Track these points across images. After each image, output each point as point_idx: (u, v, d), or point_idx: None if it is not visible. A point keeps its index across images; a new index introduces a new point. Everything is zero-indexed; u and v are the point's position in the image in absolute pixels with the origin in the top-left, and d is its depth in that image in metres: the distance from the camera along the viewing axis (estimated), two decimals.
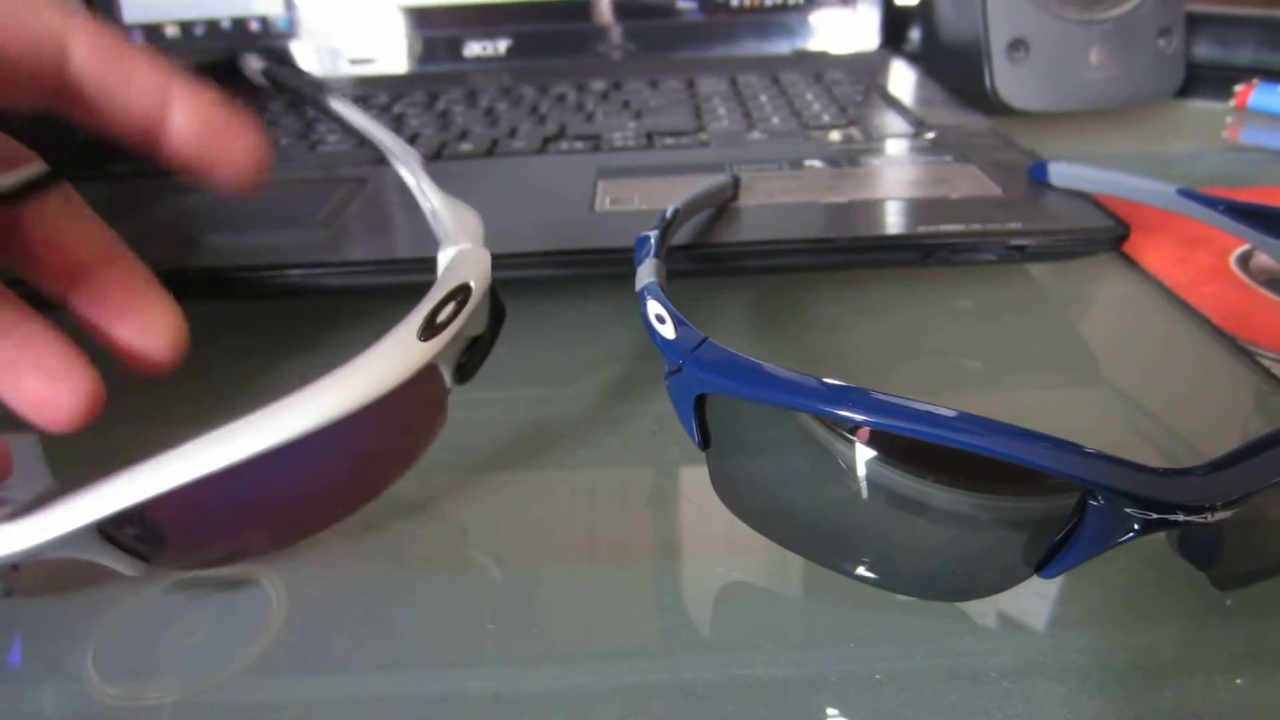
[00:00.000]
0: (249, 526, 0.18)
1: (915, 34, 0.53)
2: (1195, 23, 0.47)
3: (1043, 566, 0.15)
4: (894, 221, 0.28)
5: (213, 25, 0.50)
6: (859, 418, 0.14)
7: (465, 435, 0.21)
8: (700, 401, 0.17)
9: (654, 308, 0.18)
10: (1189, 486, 0.13)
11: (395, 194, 0.31)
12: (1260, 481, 0.13)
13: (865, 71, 0.48)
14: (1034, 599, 0.17)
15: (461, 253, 0.19)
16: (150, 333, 0.20)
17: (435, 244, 0.21)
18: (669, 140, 0.37)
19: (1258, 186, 0.36)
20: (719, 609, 0.18)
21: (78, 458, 0.22)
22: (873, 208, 0.29)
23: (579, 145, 0.37)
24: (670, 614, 0.18)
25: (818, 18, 0.52)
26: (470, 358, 0.19)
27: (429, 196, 0.22)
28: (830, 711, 0.15)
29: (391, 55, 0.51)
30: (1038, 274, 0.30)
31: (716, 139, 0.37)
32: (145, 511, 0.15)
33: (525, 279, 0.27)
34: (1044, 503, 0.15)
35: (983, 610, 0.17)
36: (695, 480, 0.21)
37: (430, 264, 0.20)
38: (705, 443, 0.18)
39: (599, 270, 0.27)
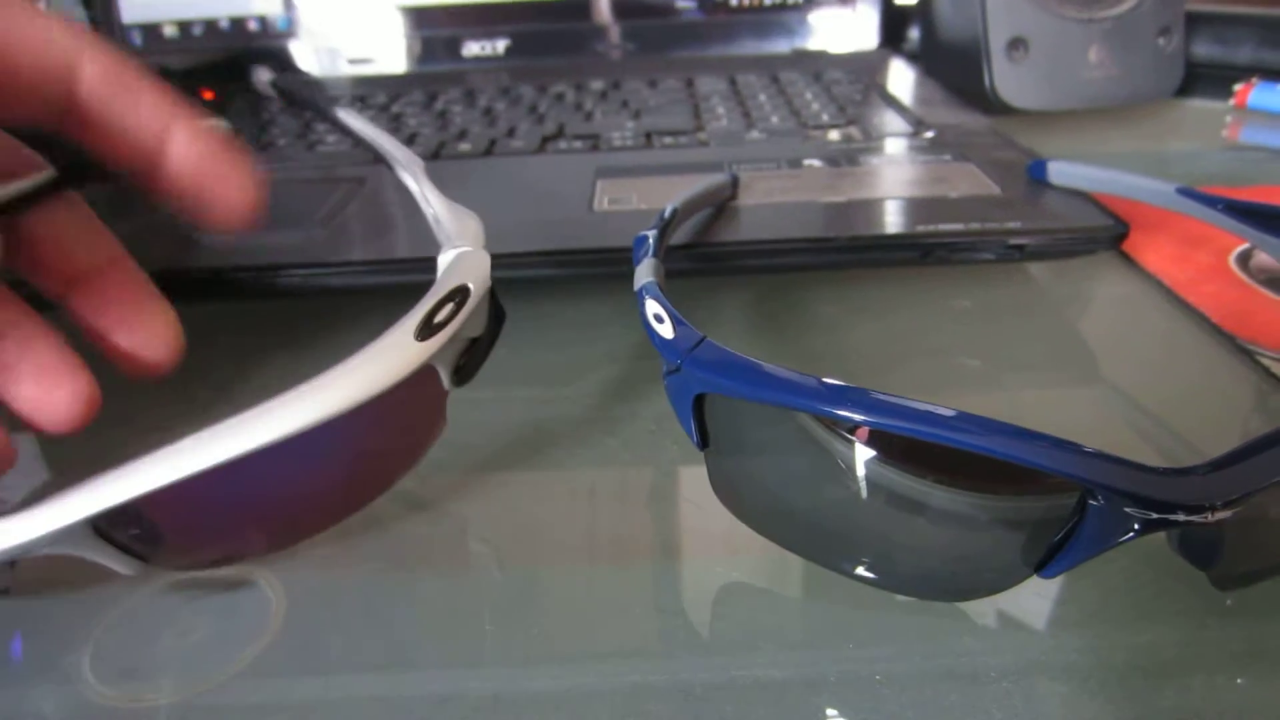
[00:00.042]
0: (246, 527, 0.18)
1: (914, 33, 0.53)
2: (1195, 22, 0.47)
3: (1042, 566, 0.15)
4: (893, 221, 0.28)
5: (211, 25, 0.50)
6: (858, 417, 0.14)
7: (464, 435, 0.20)
8: (699, 401, 0.17)
9: (652, 307, 0.18)
10: (1189, 486, 0.13)
11: (394, 194, 0.31)
12: (1261, 481, 0.13)
13: (864, 71, 0.48)
14: (1034, 599, 0.17)
15: (461, 255, 0.19)
16: (147, 339, 0.21)
17: (434, 244, 0.21)
18: (668, 140, 0.37)
19: (1257, 185, 0.36)
20: (718, 609, 0.18)
21: (73, 456, 0.22)
22: (872, 207, 0.29)
23: (577, 145, 0.37)
24: (669, 614, 0.18)
25: (817, 17, 0.52)
26: (469, 359, 0.19)
27: (431, 202, 0.22)
28: (830, 712, 0.15)
29: (390, 55, 0.51)
30: (1037, 273, 0.30)
31: (715, 138, 0.37)
32: (139, 509, 0.15)
33: (524, 279, 0.27)
34: (1043, 502, 0.15)
35: (982, 610, 0.17)
36: (694, 480, 0.21)
37: (429, 264, 0.20)
38: (704, 442, 0.18)
39: (597, 270, 0.27)
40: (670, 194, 0.26)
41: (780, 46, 0.52)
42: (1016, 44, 0.43)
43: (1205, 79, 0.48)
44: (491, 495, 0.21)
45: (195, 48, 0.50)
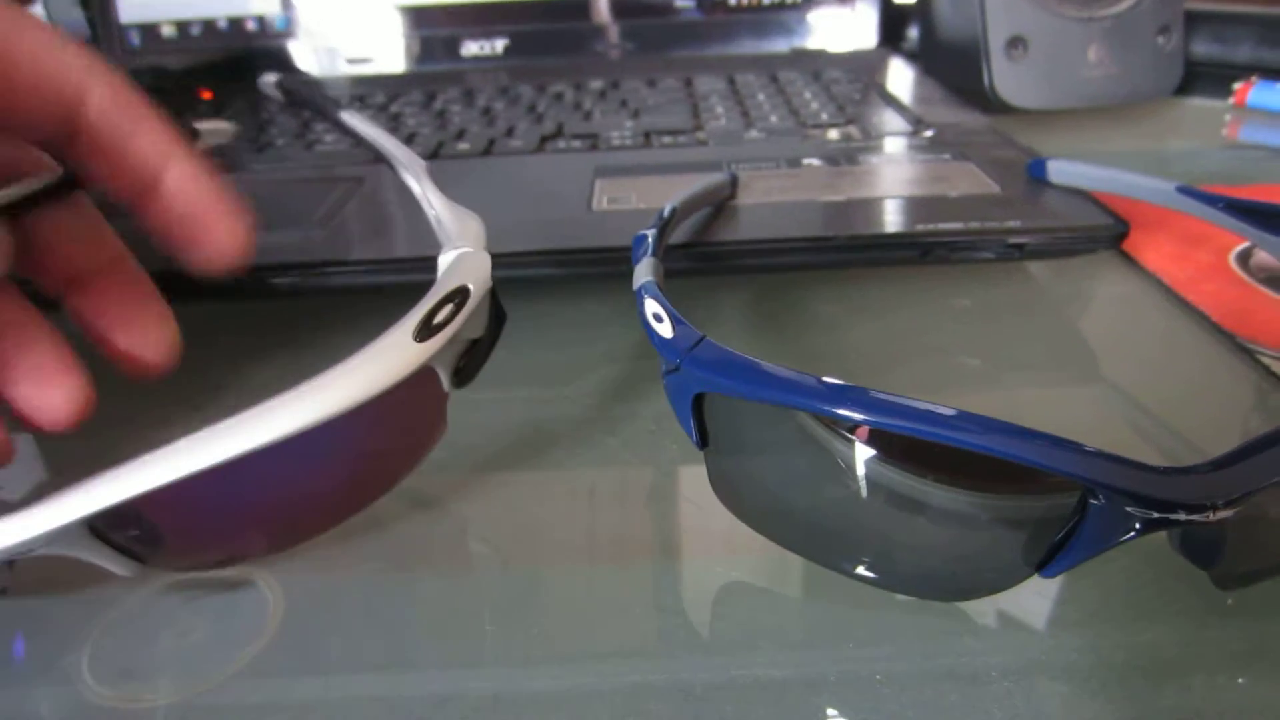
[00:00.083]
0: (243, 528, 0.18)
1: (913, 32, 0.53)
2: (1194, 20, 0.47)
3: (1043, 566, 0.15)
4: (892, 220, 0.28)
5: (209, 25, 0.50)
6: (858, 417, 0.14)
7: (463, 434, 0.20)
8: (698, 400, 0.17)
9: (651, 306, 0.18)
10: (1191, 485, 0.13)
11: (392, 193, 0.31)
12: (1262, 480, 0.13)
13: (863, 70, 0.48)
14: (1034, 598, 0.17)
15: (462, 255, 0.19)
16: (144, 341, 0.21)
17: (433, 243, 0.21)
18: (666, 139, 0.37)
19: (1257, 184, 0.36)
20: (718, 609, 0.18)
21: (72, 456, 0.22)
22: (871, 206, 0.29)
23: (576, 144, 0.37)
24: (669, 614, 0.18)
25: (816, 16, 0.52)
26: (469, 361, 0.19)
27: (434, 204, 0.22)
28: (830, 712, 0.15)
29: (389, 54, 0.51)
30: (1037, 272, 0.30)
31: (714, 138, 0.37)
32: (136, 509, 0.15)
33: (522, 278, 0.27)
34: (1044, 502, 0.15)
35: (983, 610, 0.17)
36: (693, 480, 0.21)
37: (428, 263, 0.20)
38: (703, 442, 0.18)
39: (596, 269, 0.27)
40: (669, 193, 0.26)
41: (779, 46, 0.52)
42: (1016, 43, 0.43)
43: (1204, 78, 0.47)
44: (491, 495, 0.21)
45: (193, 47, 0.50)
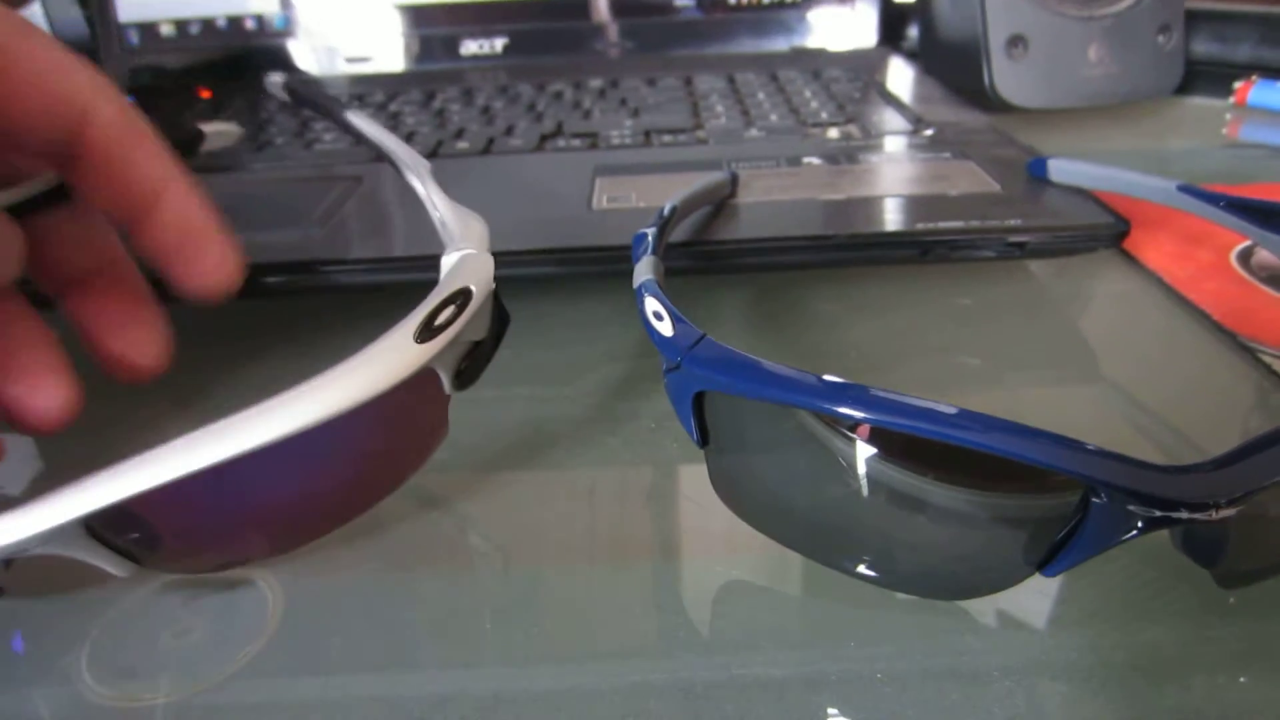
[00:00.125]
0: (241, 530, 0.18)
1: (913, 31, 0.52)
2: (1194, 19, 0.47)
3: (1044, 565, 0.15)
4: (893, 218, 0.28)
5: (208, 24, 0.50)
6: (858, 415, 0.14)
7: (463, 434, 0.20)
8: (699, 399, 0.17)
9: (651, 305, 0.18)
10: (1193, 483, 0.13)
11: (392, 192, 0.31)
12: (1264, 478, 0.13)
13: (863, 69, 0.48)
14: (1035, 597, 0.17)
15: (464, 257, 0.19)
16: (136, 346, 0.21)
17: (432, 242, 0.21)
18: (666, 138, 0.37)
19: (1258, 183, 0.36)
20: (718, 608, 0.18)
21: (67, 456, 0.22)
22: (871, 205, 0.29)
23: (576, 143, 0.37)
24: (669, 613, 0.18)
25: (815, 15, 0.52)
26: (471, 363, 0.19)
27: (437, 205, 0.22)
28: (831, 711, 0.15)
29: (388, 53, 0.51)
30: (1037, 271, 0.30)
31: (714, 136, 0.37)
32: (132, 509, 0.15)
33: (522, 277, 0.27)
34: (1046, 500, 0.15)
35: (984, 609, 0.17)
36: (694, 478, 0.21)
37: (428, 262, 0.20)
38: (704, 440, 0.18)
39: (596, 268, 0.27)
40: (669, 192, 0.26)
41: (779, 44, 0.52)
42: (1016, 42, 0.43)
43: (1205, 77, 0.47)
44: (491, 494, 0.21)
45: (192, 46, 0.50)
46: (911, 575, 0.17)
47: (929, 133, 0.36)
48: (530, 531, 0.20)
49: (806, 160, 0.33)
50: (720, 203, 0.29)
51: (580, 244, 0.27)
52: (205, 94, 0.47)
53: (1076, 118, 0.44)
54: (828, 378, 0.14)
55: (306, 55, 0.51)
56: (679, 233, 0.26)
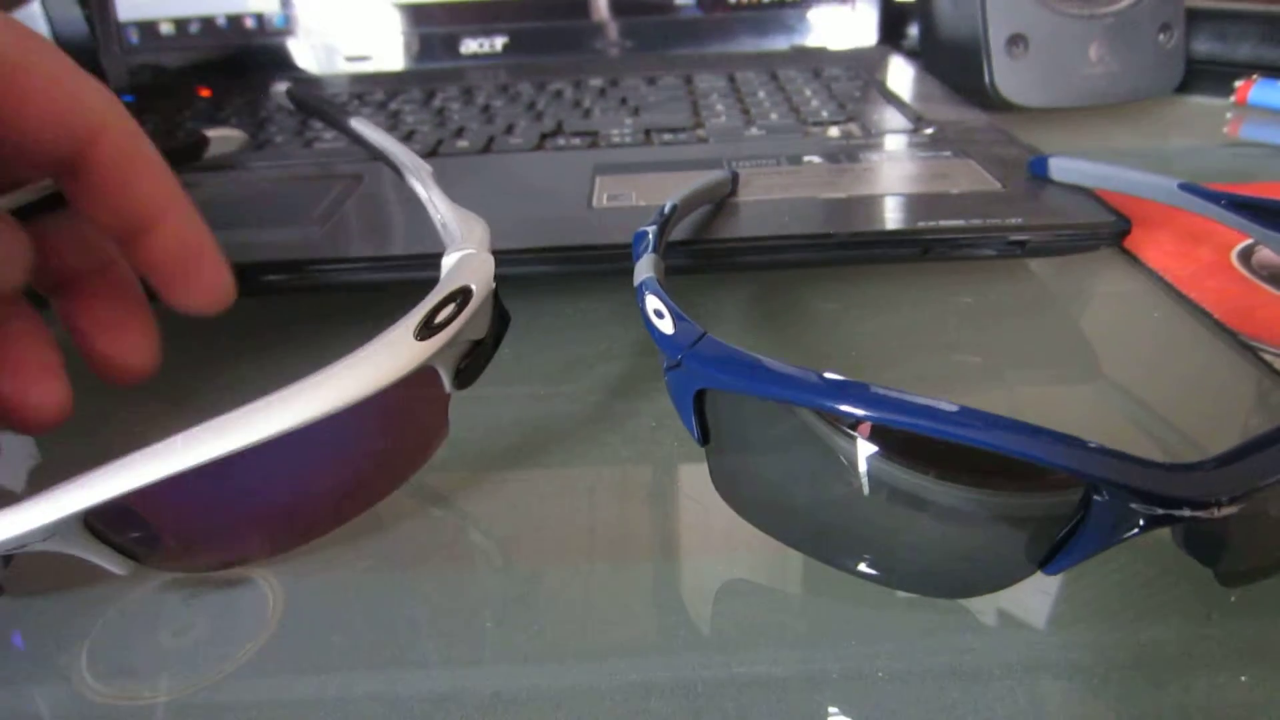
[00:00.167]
0: (239, 528, 0.18)
1: (914, 30, 0.52)
2: (1195, 18, 0.47)
3: (1046, 563, 0.15)
4: (893, 217, 0.28)
5: (208, 22, 0.50)
6: (860, 412, 0.14)
7: (463, 432, 0.20)
8: (699, 397, 0.17)
9: (652, 303, 0.18)
10: (1195, 481, 0.13)
11: (391, 191, 0.31)
12: (1266, 476, 0.13)
13: (864, 67, 0.48)
14: (1037, 596, 0.17)
15: (465, 257, 0.19)
16: (125, 348, 0.21)
17: (432, 240, 0.21)
18: (666, 136, 0.37)
19: (1259, 182, 0.36)
20: (719, 606, 0.18)
21: (67, 454, 0.22)
22: (872, 203, 0.29)
23: (576, 142, 0.37)
24: (669, 611, 0.17)
25: (816, 14, 0.52)
26: (471, 362, 0.19)
27: (439, 207, 0.22)
28: (831, 709, 0.15)
29: (388, 52, 0.51)
30: (1038, 269, 0.30)
31: (714, 135, 0.37)
32: (132, 506, 0.15)
33: (522, 275, 0.26)
34: (1047, 499, 0.15)
35: (985, 607, 0.17)
36: (695, 477, 0.21)
37: (427, 260, 0.20)
38: (704, 438, 0.18)
39: (596, 266, 0.26)
40: (669, 191, 0.26)
41: (779, 43, 0.52)
42: (1016, 41, 0.43)
43: (1206, 76, 0.47)
44: (491, 492, 0.21)
45: (192, 45, 0.50)
46: (912, 573, 0.17)
47: (929, 131, 0.36)
48: (530, 530, 0.20)
49: (807, 159, 0.33)
50: (720, 201, 0.29)
51: (580, 242, 0.27)
52: (205, 93, 0.47)
53: (1077, 117, 0.44)
54: (829, 375, 0.14)
55: (306, 54, 0.51)
56: (679, 231, 0.26)
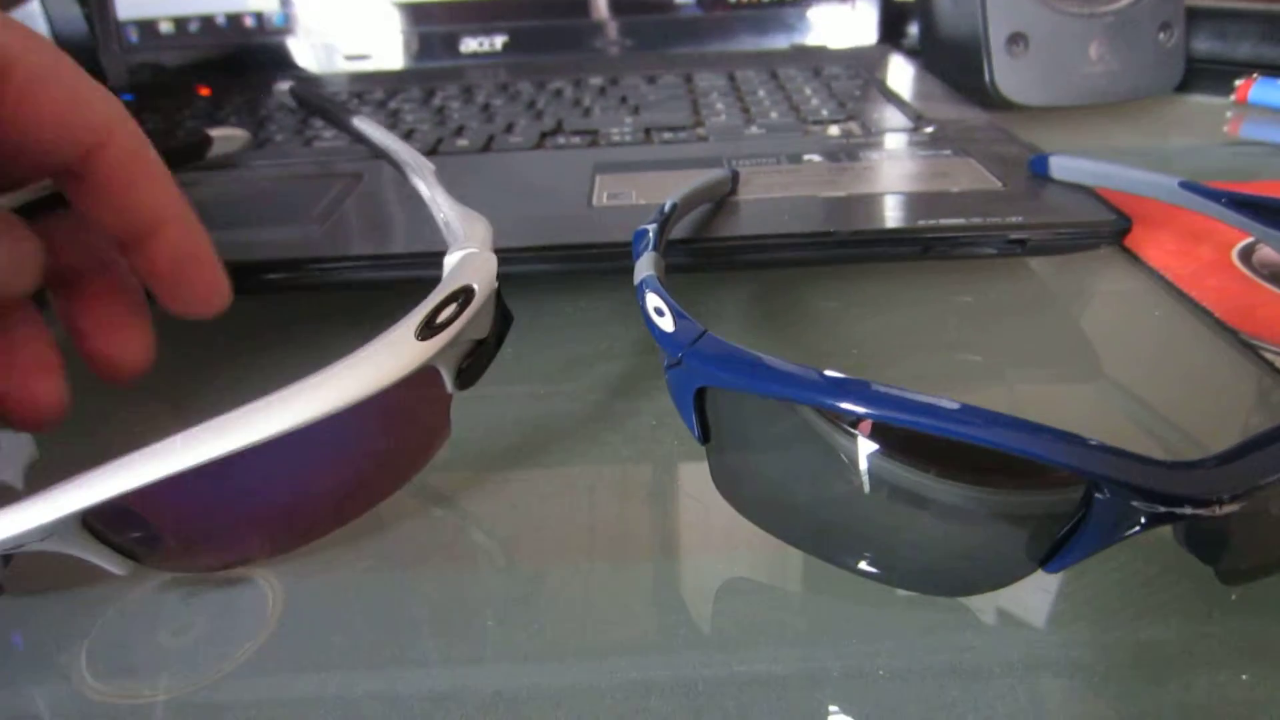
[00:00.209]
0: (239, 529, 0.18)
1: (914, 29, 0.52)
2: (1195, 17, 0.47)
3: (1046, 561, 0.15)
4: (893, 215, 0.28)
5: (207, 21, 0.50)
6: (861, 410, 0.14)
7: (463, 431, 0.20)
8: (700, 395, 0.17)
9: (653, 300, 0.18)
10: (1197, 479, 0.13)
11: (391, 189, 0.31)
12: (1268, 474, 0.13)
13: (864, 66, 0.48)
14: (1037, 594, 0.17)
15: (467, 256, 0.19)
16: (121, 346, 0.21)
17: (432, 238, 0.21)
18: (666, 135, 0.37)
19: (1259, 180, 0.36)
20: (719, 605, 0.18)
21: (65, 454, 0.22)
22: (872, 202, 0.29)
23: (576, 140, 0.37)
24: (670, 610, 0.17)
25: (816, 12, 0.52)
26: (473, 362, 0.19)
27: (442, 207, 0.22)
28: (832, 708, 0.15)
29: (387, 51, 0.51)
30: (1039, 268, 0.30)
31: (714, 134, 0.37)
32: (130, 506, 0.15)
33: (523, 274, 0.26)
34: (1048, 497, 0.15)
35: (985, 605, 0.17)
36: (695, 475, 0.21)
37: (428, 259, 0.20)
38: (705, 437, 0.18)
39: (597, 265, 0.26)
40: (669, 189, 0.26)
41: (779, 42, 0.52)
42: (1016, 39, 0.43)
43: (1206, 74, 0.47)
44: (492, 491, 0.21)
45: (191, 44, 0.50)
46: (913, 571, 0.17)
47: (930, 130, 0.36)
48: (531, 529, 0.20)
49: (807, 157, 0.33)
50: (721, 200, 0.29)
51: (580, 241, 0.27)
52: (204, 92, 0.47)
53: (1077, 115, 0.44)
54: (830, 373, 0.14)
55: (306, 53, 0.51)
56: (679, 230, 0.26)
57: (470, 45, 0.51)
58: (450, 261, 0.19)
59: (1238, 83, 0.46)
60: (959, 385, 0.24)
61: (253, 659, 0.17)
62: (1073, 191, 0.29)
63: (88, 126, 0.19)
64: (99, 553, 0.16)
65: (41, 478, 0.21)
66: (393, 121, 0.40)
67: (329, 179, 0.32)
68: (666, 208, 0.24)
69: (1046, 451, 0.13)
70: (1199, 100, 0.47)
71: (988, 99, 0.43)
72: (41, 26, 0.50)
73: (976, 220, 0.27)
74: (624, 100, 0.42)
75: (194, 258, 0.21)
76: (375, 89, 0.46)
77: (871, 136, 0.36)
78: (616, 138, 0.37)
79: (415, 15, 0.50)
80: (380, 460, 0.19)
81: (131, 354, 0.21)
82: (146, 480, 0.14)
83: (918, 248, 0.27)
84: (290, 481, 0.18)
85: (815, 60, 0.49)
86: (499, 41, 0.51)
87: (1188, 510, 0.13)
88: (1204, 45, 0.49)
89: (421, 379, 0.17)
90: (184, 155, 0.32)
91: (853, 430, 0.15)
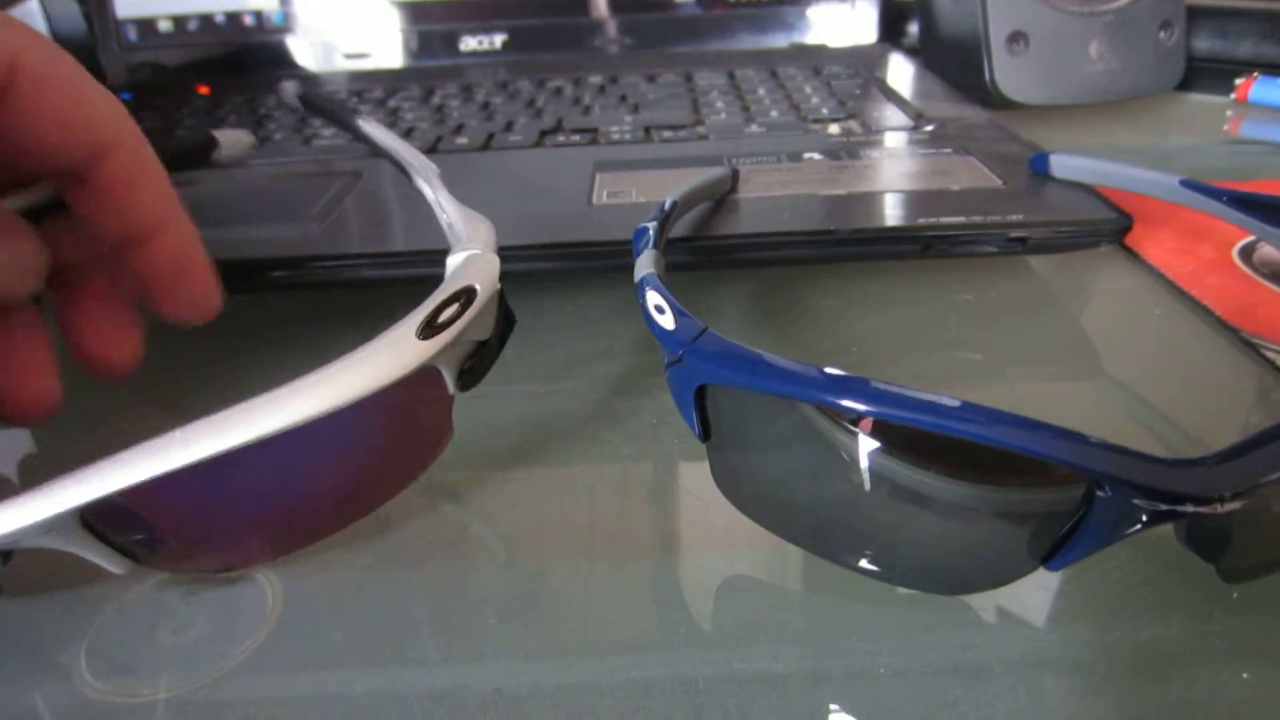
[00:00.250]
0: (239, 530, 0.18)
1: (914, 27, 0.52)
2: (1196, 15, 0.47)
3: (1047, 559, 0.15)
4: (894, 213, 0.28)
5: (206, 19, 0.50)
6: (861, 408, 0.14)
7: (463, 430, 0.20)
8: (700, 393, 0.17)
9: (653, 298, 0.18)
10: (1198, 477, 0.13)
11: (391, 187, 0.31)
12: (1270, 472, 0.13)
13: (864, 64, 0.48)
14: (1038, 592, 0.17)
15: (470, 257, 0.19)
16: (110, 343, 0.21)
17: (433, 236, 0.21)
18: (666, 133, 0.37)
19: (1260, 179, 0.36)
20: (719, 603, 0.18)
21: (64, 452, 0.22)
22: (872, 200, 0.29)
23: (576, 139, 0.37)
24: (670, 608, 0.17)
25: (815, 11, 0.52)
26: (475, 363, 0.19)
27: (445, 208, 0.22)
28: (833, 706, 0.15)
29: (387, 50, 0.51)
30: (1039, 266, 0.30)
31: (714, 132, 0.37)
32: (128, 503, 0.15)
33: (523, 272, 0.26)
34: (1049, 495, 0.15)
35: (986, 604, 0.17)
36: (695, 474, 0.21)
37: (427, 257, 0.20)
38: (705, 435, 0.18)
39: (597, 263, 0.26)
40: (669, 187, 0.26)
41: (779, 41, 0.52)
42: (1017, 38, 0.43)
43: (1206, 73, 0.47)
44: (492, 490, 0.21)
45: (191, 43, 0.50)
46: (914, 570, 0.17)
47: (930, 128, 0.36)
48: (531, 527, 0.20)
49: (807, 156, 0.33)
50: (721, 198, 0.29)
51: (580, 239, 0.27)
52: (204, 90, 0.47)
53: (1077, 114, 0.44)
54: (830, 370, 0.14)
55: (305, 51, 0.50)
56: (679, 228, 0.26)
57: (470, 44, 0.51)
58: (453, 262, 0.19)
59: (1238, 81, 0.46)
60: (959, 383, 0.24)
61: (253, 657, 0.16)
62: (1073, 190, 0.29)
63: (90, 127, 0.19)
64: (98, 551, 0.16)
65: (40, 475, 0.21)
66: (392, 120, 0.40)
67: (328, 177, 0.32)
68: (666, 206, 0.24)
69: (1047, 449, 0.13)
70: (1199, 99, 0.47)
71: (988, 97, 0.43)
72: (40, 25, 0.50)
73: (977, 218, 0.27)
74: (624, 99, 0.42)
75: (186, 264, 0.21)
76: (375, 87, 0.46)
77: (871, 135, 0.36)
78: (616, 136, 0.37)
79: (414, 14, 0.50)
80: (382, 462, 0.19)
81: (122, 352, 0.21)
82: (145, 477, 0.14)
83: (918, 246, 0.27)
84: (290, 482, 0.18)
85: (815, 59, 0.49)
86: (498, 40, 0.51)
87: (1189, 508, 0.13)
88: (1204, 44, 0.48)
89: (423, 379, 0.17)
90: (189, 159, 0.32)
91: (853, 428, 0.15)
